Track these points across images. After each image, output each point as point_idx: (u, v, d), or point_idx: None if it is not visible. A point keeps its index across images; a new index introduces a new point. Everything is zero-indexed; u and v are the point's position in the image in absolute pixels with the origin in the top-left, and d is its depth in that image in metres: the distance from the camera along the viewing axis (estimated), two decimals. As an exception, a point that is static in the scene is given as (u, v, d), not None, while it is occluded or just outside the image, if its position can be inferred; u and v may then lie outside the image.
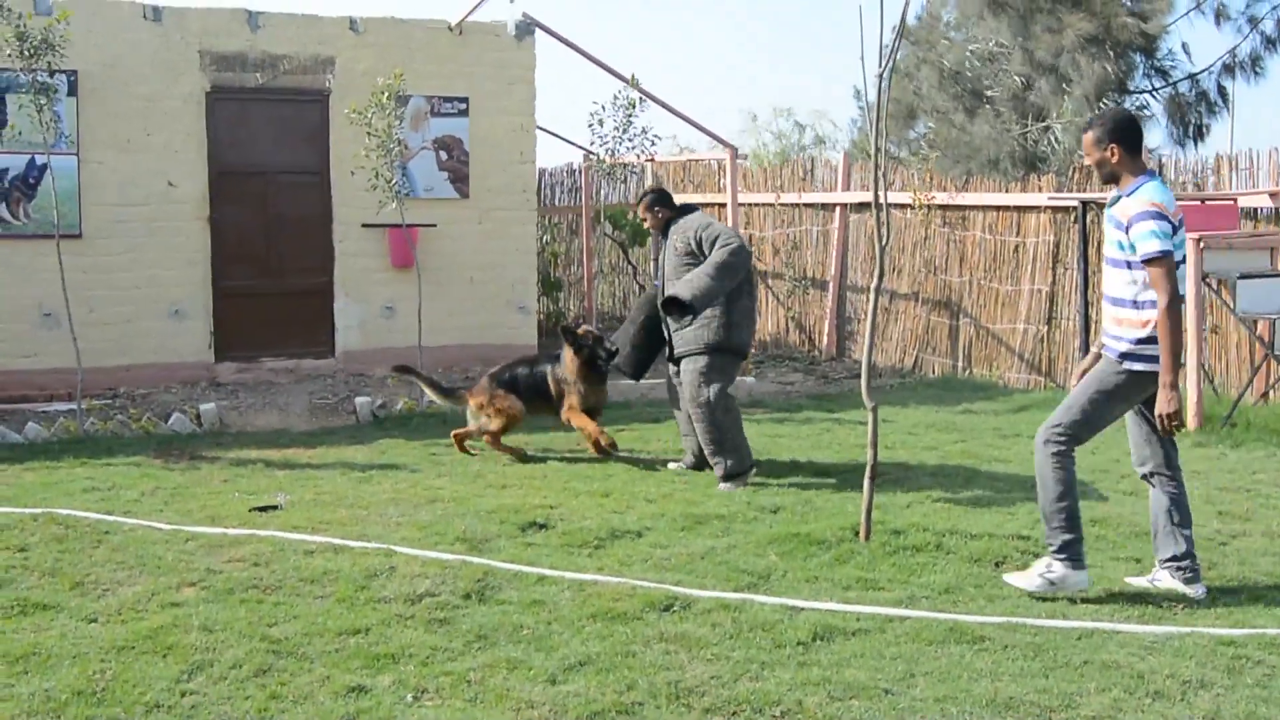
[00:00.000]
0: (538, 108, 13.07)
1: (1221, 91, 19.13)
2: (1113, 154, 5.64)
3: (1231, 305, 9.74)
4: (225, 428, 10.17)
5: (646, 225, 8.61)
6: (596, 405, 8.78)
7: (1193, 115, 19.34)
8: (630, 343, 8.49)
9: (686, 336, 8.00)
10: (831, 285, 14.41)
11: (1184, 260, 5.66)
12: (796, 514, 7.03)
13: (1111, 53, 18.49)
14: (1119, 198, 5.64)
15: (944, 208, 13.12)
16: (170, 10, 11.55)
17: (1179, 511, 5.69)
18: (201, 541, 6.55)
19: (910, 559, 6.15)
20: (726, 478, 7.85)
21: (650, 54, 54.35)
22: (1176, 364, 5.40)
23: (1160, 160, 11.85)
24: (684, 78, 53.27)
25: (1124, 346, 5.55)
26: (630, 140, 11.52)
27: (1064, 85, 18.70)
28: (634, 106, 11.39)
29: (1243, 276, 9.52)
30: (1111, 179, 5.70)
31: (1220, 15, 18.40)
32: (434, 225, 12.39)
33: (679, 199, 15.28)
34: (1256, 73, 18.52)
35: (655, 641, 5.02)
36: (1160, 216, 5.40)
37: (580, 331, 8.73)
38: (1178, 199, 9.94)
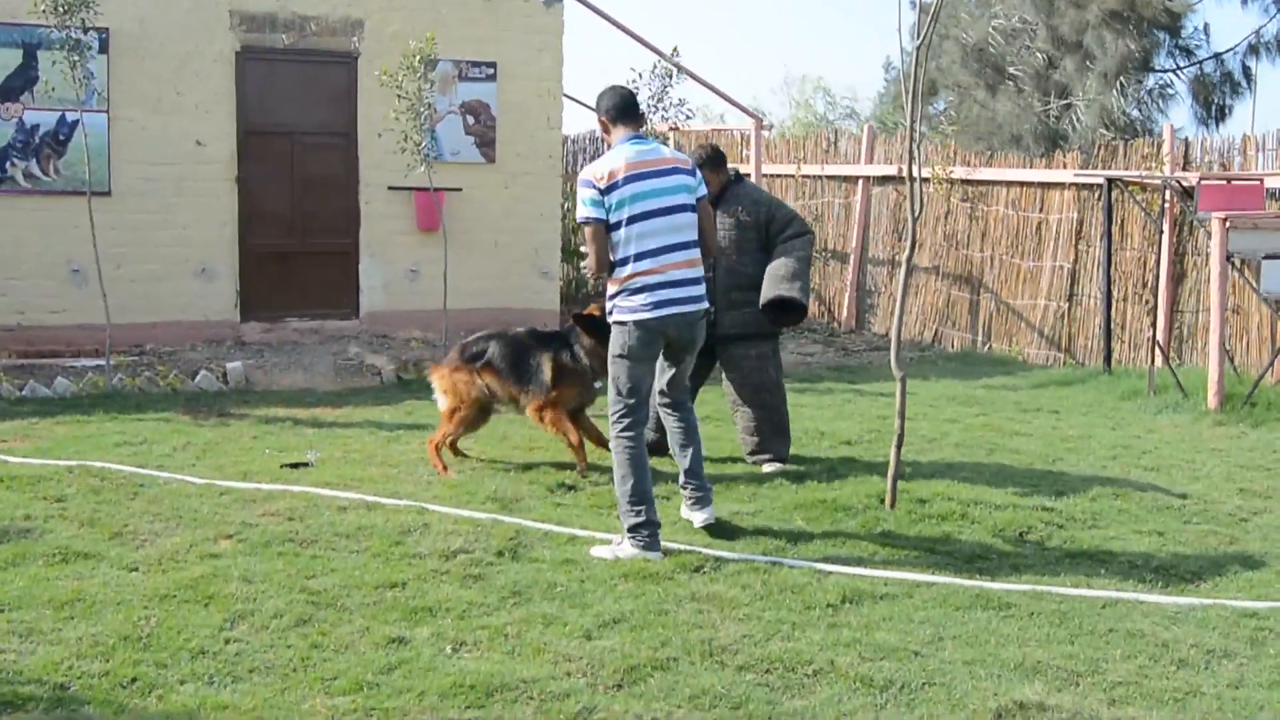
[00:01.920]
0: (564, 74, 13.10)
1: (1246, 72, 19.08)
2: (604, 128, 6.09)
3: (1255, 285, 9.77)
4: (251, 386, 10.27)
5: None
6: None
7: (1216, 95, 19.31)
8: None
9: (741, 319, 7.41)
10: (852, 258, 14.45)
11: (649, 214, 5.84)
12: (822, 481, 7.10)
13: (1135, 30, 18.45)
14: None
15: (967, 183, 13.13)
16: (201, -30, 11.59)
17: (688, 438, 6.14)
18: (235, 496, 6.66)
19: (936, 527, 6.23)
20: (779, 459, 7.47)
21: (675, 19, 54.26)
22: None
23: (1186, 140, 11.85)
24: (709, 43, 53.26)
25: (607, 304, 6.00)
26: (665, 110, 11.53)
27: (1087, 63, 18.67)
28: (671, 77, 11.40)
29: (1268, 257, 9.55)
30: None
31: (1248, -6, 18.35)
32: (460, 189, 12.44)
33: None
34: (1282, 53, 18.49)
35: (687, 601, 5.12)
36: (587, 184, 5.86)
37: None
38: (1203, 178, 10.02)
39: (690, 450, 6.12)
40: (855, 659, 4.53)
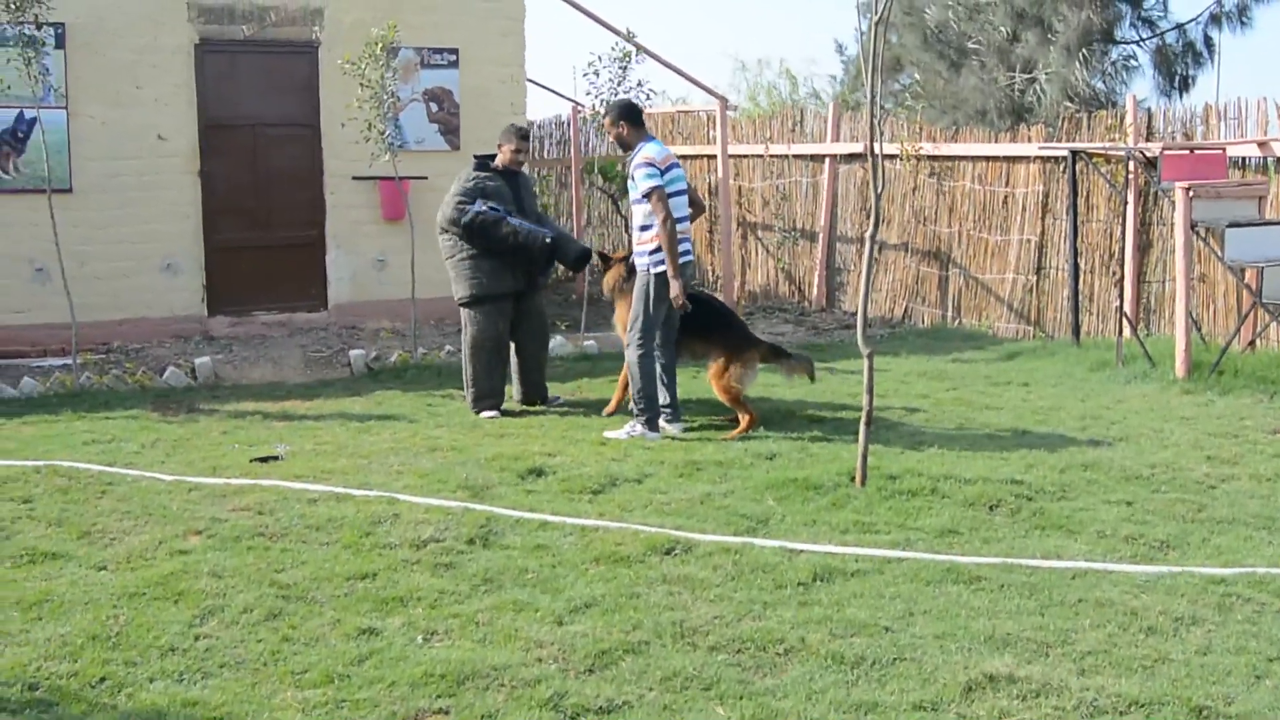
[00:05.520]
0: (527, 59, 13.06)
1: (1208, 42, 19.13)
2: (623, 129, 8.03)
3: (1220, 254, 9.83)
4: (220, 381, 10.21)
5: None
6: None
7: (1179, 66, 19.34)
8: None
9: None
10: (821, 236, 14.46)
11: (682, 192, 7.99)
12: (792, 460, 7.12)
13: (1096, 3, 18.48)
14: (632, 158, 7.99)
15: (933, 158, 13.15)
16: (157, -38, 11.47)
17: (668, 375, 8.03)
18: (205, 491, 6.62)
19: (906, 503, 6.25)
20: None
21: (638, 2, 54.05)
22: (675, 261, 7.71)
23: (1149, 111, 11.89)
24: (672, 26, 53.20)
25: (645, 259, 7.88)
26: (626, 93, 11.49)
27: (1049, 36, 18.69)
28: (629, 58, 11.37)
29: (1231, 225, 9.60)
30: (626, 146, 8.13)
31: (1210, -35, 18.38)
32: (425, 177, 12.37)
33: (674, 150, 15.42)
34: (1243, 23, 18.51)
35: (659, 583, 5.12)
36: (649, 164, 7.79)
37: None
38: (1166, 149, 10.08)
39: (674, 384, 8.12)
40: (826, 636, 4.54)
